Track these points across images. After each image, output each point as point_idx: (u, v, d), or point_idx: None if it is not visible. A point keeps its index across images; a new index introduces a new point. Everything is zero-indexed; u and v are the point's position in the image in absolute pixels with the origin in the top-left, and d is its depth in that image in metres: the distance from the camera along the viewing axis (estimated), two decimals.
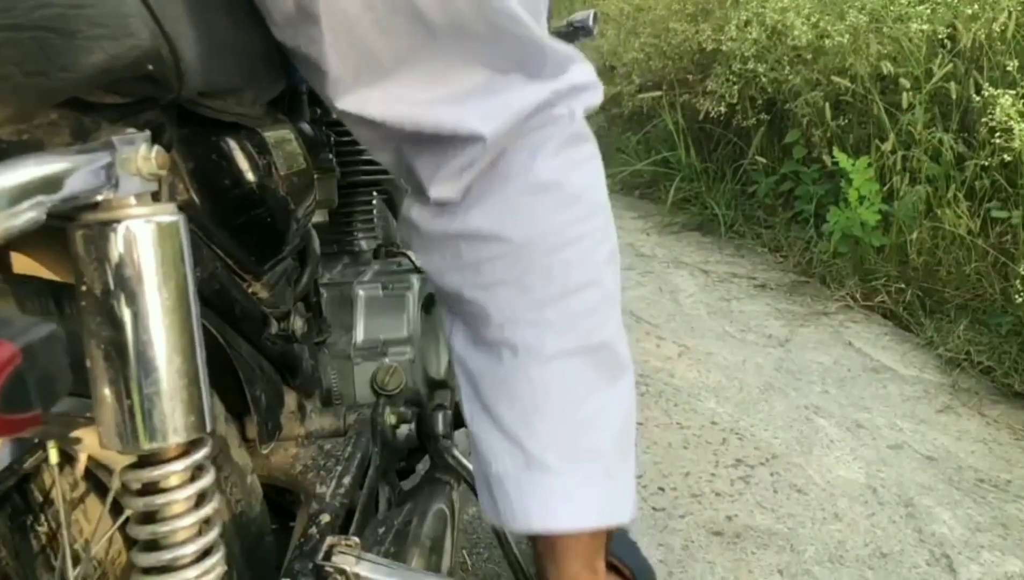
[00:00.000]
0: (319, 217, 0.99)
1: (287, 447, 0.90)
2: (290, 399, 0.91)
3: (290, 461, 0.88)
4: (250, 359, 0.75)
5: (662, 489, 1.88)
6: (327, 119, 0.96)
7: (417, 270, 1.08)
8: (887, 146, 2.96)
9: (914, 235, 2.80)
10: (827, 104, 3.29)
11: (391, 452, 1.00)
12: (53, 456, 0.64)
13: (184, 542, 0.52)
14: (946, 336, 2.53)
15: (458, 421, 1.06)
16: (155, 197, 0.45)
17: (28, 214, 0.33)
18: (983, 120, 2.56)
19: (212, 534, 0.54)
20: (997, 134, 2.45)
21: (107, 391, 0.46)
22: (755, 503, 1.83)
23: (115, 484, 0.70)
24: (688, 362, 2.56)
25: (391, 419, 0.97)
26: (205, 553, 0.53)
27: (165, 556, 0.51)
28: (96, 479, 0.74)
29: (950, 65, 2.83)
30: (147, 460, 0.50)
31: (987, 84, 2.53)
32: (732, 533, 1.73)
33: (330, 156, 0.91)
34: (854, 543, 1.69)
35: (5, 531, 0.70)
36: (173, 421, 0.47)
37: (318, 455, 0.89)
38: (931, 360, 2.51)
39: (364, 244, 1.15)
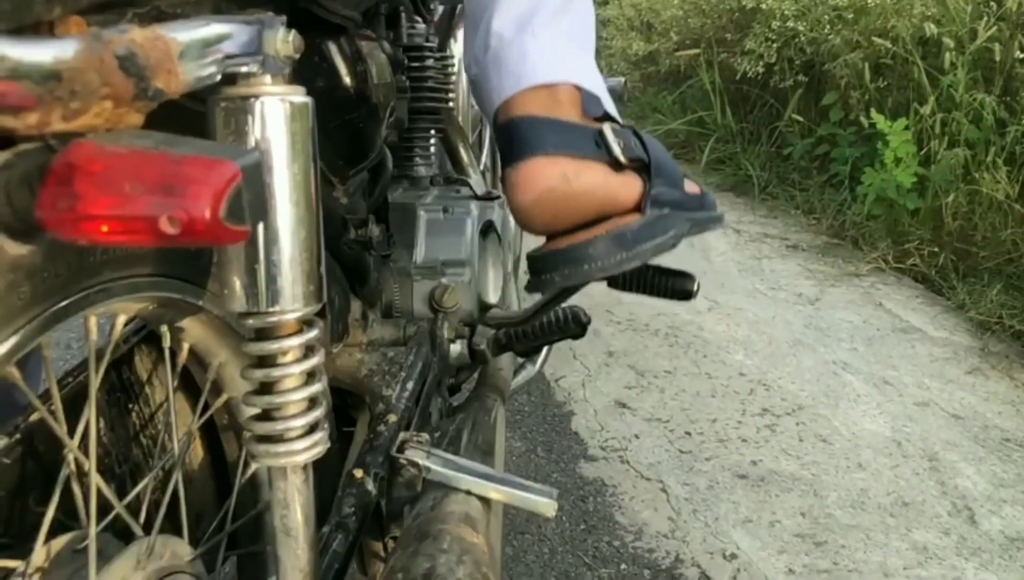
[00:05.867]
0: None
1: (352, 352, 0.94)
2: (355, 307, 0.96)
3: (355, 365, 0.93)
4: (327, 260, 0.79)
5: (689, 434, 1.93)
6: (400, 43, 0.99)
7: (477, 197, 1.12)
8: (926, 109, 2.95)
9: (950, 198, 2.80)
10: (867, 66, 3.27)
11: (444, 366, 1.04)
12: (166, 339, 0.69)
13: (294, 415, 0.56)
14: (978, 300, 2.55)
15: (506, 345, 1.10)
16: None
17: (210, 68, 0.37)
18: None
19: (318, 411, 0.58)
20: None
21: (235, 256, 0.50)
22: (780, 450, 1.88)
23: (211, 375, 0.75)
24: (718, 316, 2.59)
25: (448, 334, 1.01)
26: (312, 428, 0.57)
27: (278, 427, 0.55)
28: (184, 374, 0.79)
29: (995, 27, 2.81)
30: (266, 334, 0.54)
31: None
32: (756, 477, 1.77)
33: (404, 78, 0.94)
34: (877, 491, 1.74)
35: (104, 405, 0.76)
36: (294, 288, 0.51)
37: (382, 361, 0.93)
38: (962, 323, 2.53)
39: (423, 170, 1.19)
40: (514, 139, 0.75)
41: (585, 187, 0.74)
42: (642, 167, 0.77)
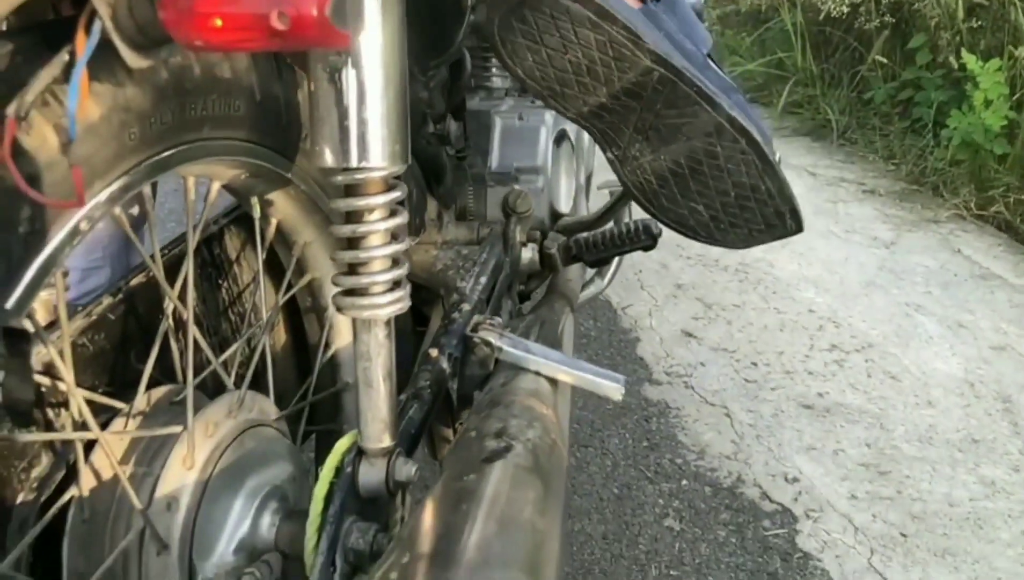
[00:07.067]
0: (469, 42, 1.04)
1: (428, 249, 0.98)
2: (430, 207, 0.99)
3: (431, 261, 0.96)
4: None
5: (755, 364, 1.93)
6: None
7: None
8: (1022, 52, 2.83)
9: None
10: (960, 4, 3.14)
11: (515, 269, 1.07)
12: (256, 209, 0.73)
13: (380, 271, 0.59)
14: None
15: (576, 255, 1.12)
16: None
17: None
18: None
19: (400, 270, 0.61)
20: None
21: (328, 113, 0.52)
22: (847, 384, 1.87)
23: (296, 253, 0.79)
24: (789, 255, 2.56)
25: (520, 237, 1.04)
26: (395, 285, 0.60)
27: (363, 281, 0.58)
28: (270, 257, 0.82)
29: None
30: (354, 190, 0.57)
31: None
32: (822, 408, 1.77)
33: None
34: (945, 428, 1.72)
35: (197, 279, 0.81)
36: (382, 146, 0.53)
37: (456, 257, 0.96)
38: None
39: (499, 81, 1.21)
40: None
41: None
42: None
